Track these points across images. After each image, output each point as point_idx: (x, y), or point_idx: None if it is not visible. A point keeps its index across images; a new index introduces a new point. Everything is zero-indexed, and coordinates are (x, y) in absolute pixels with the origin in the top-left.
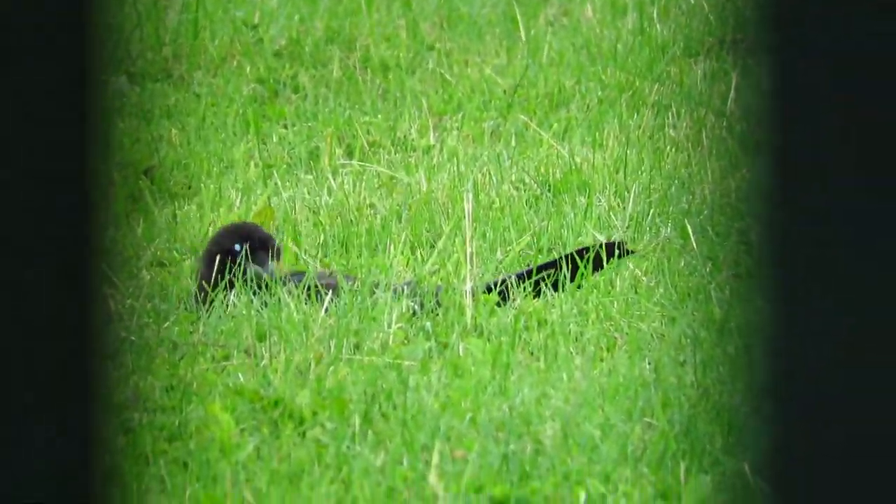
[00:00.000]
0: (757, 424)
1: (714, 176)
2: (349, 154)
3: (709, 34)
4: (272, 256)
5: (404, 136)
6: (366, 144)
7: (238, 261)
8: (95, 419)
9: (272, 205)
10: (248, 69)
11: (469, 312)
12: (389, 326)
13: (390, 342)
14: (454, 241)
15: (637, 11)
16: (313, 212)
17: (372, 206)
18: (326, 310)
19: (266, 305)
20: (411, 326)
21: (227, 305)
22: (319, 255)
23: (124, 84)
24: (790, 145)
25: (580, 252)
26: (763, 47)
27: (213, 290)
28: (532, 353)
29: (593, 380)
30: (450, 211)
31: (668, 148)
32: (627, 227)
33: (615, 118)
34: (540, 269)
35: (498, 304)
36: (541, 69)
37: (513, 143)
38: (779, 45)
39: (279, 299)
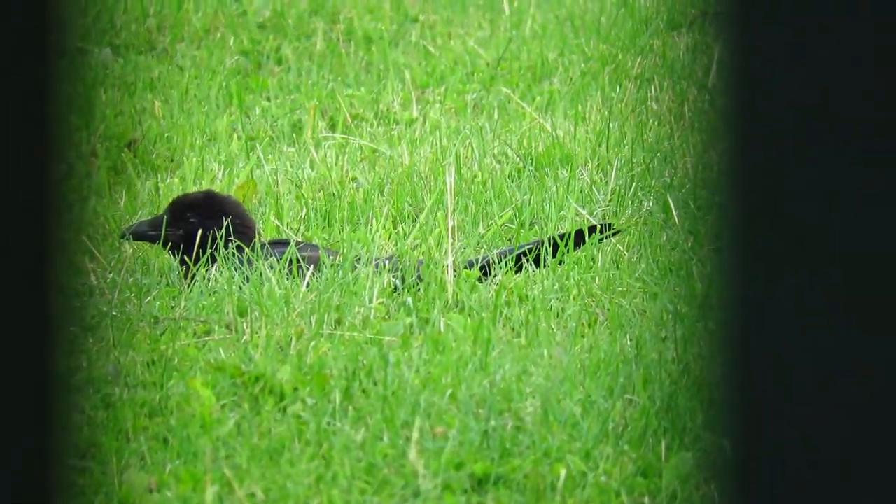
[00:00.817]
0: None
1: (696, 150)
2: (332, 127)
3: (691, 6)
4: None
5: (387, 109)
6: (349, 117)
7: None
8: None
9: (255, 178)
10: (231, 41)
11: (450, 288)
12: (371, 302)
13: (371, 317)
14: (436, 215)
15: None
16: (296, 185)
17: (354, 179)
18: (308, 285)
19: (247, 280)
20: (392, 302)
21: (209, 280)
22: (301, 228)
23: (108, 56)
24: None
25: (567, 235)
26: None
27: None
28: (513, 330)
29: (574, 356)
30: (432, 184)
31: (651, 121)
32: (609, 201)
33: (598, 91)
34: (522, 248)
35: (479, 280)
36: (524, 42)
37: (495, 116)
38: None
39: (261, 274)
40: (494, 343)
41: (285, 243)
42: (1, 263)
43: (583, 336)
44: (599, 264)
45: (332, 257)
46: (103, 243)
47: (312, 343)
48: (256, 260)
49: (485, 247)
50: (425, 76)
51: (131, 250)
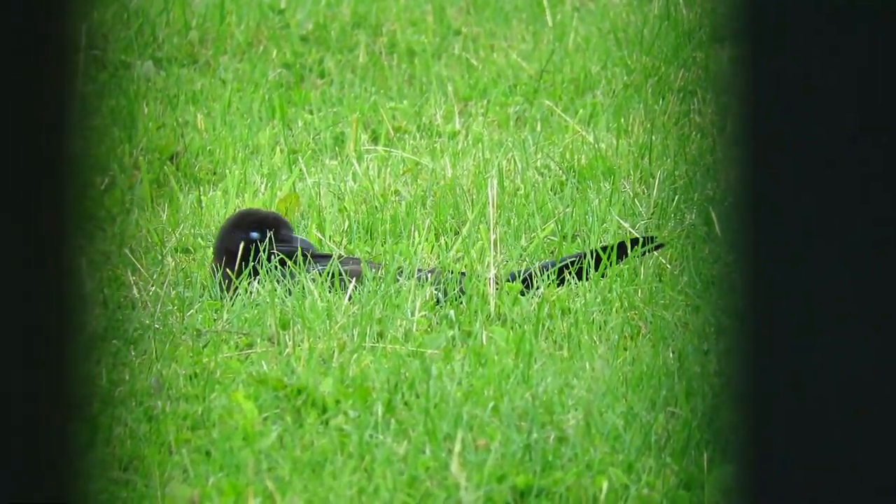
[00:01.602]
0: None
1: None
2: (374, 140)
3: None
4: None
5: (429, 122)
6: (391, 130)
7: (262, 247)
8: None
9: (297, 191)
10: (274, 54)
11: (492, 301)
12: (413, 314)
13: (414, 330)
14: (478, 228)
15: None
16: (338, 198)
17: (397, 192)
18: (350, 297)
19: (290, 293)
20: (435, 314)
21: (251, 293)
22: (344, 241)
23: (150, 69)
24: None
25: (609, 248)
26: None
27: (237, 279)
28: (555, 342)
29: (616, 369)
30: (474, 197)
31: (694, 134)
32: (652, 214)
33: (641, 104)
34: (565, 260)
35: (521, 293)
36: (567, 54)
37: (538, 128)
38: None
39: (303, 287)
40: (537, 356)
41: (327, 257)
42: (43, 276)
43: (625, 349)
44: (642, 277)
45: (374, 270)
46: (146, 256)
47: (355, 356)
48: (299, 273)
49: (527, 260)
50: (468, 89)
51: (173, 263)
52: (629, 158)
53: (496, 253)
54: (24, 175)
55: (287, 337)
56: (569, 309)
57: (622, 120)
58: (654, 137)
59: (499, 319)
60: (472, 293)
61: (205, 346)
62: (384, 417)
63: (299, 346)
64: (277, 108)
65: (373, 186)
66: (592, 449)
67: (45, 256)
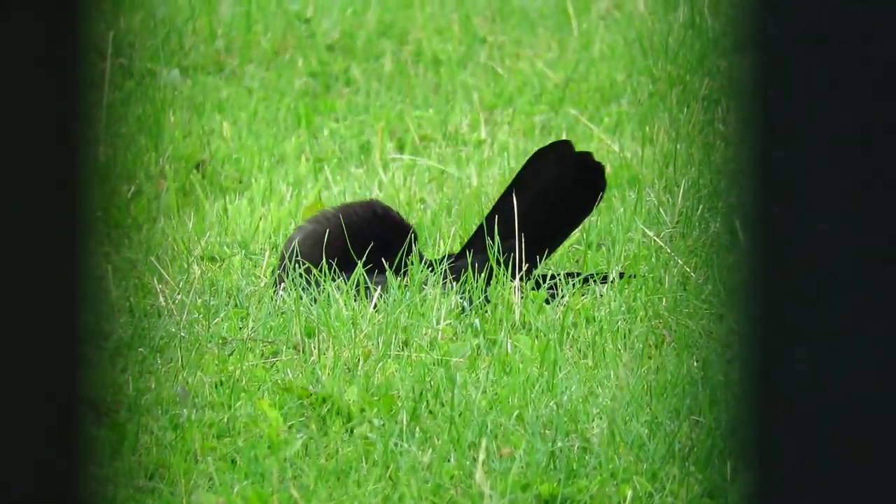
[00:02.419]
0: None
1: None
2: (400, 148)
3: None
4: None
5: (455, 130)
6: (417, 138)
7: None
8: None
9: (323, 199)
10: (300, 63)
11: (517, 309)
12: (438, 323)
13: (439, 339)
14: None
15: (688, 5)
16: None
17: (422, 200)
18: (375, 306)
19: (315, 301)
20: (460, 323)
21: (277, 301)
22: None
23: (176, 77)
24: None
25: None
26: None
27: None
28: (580, 351)
29: (641, 377)
30: None
31: (718, 143)
32: (676, 223)
33: (665, 113)
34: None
35: (546, 301)
36: (592, 63)
37: (563, 137)
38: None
39: (328, 295)
40: (561, 364)
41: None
42: (70, 283)
43: (649, 357)
44: (666, 286)
45: (399, 279)
46: (172, 264)
47: (380, 364)
48: (324, 281)
49: (551, 268)
50: (494, 97)
51: (199, 271)
52: (654, 167)
53: (521, 261)
54: (52, 183)
55: (312, 345)
56: (593, 317)
57: (647, 129)
58: (678, 146)
59: (524, 328)
60: (497, 301)
61: (230, 355)
62: (409, 426)
63: (324, 354)
64: (303, 116)
65: (398, 195)
66: (617, 457)
67: (72, 264)
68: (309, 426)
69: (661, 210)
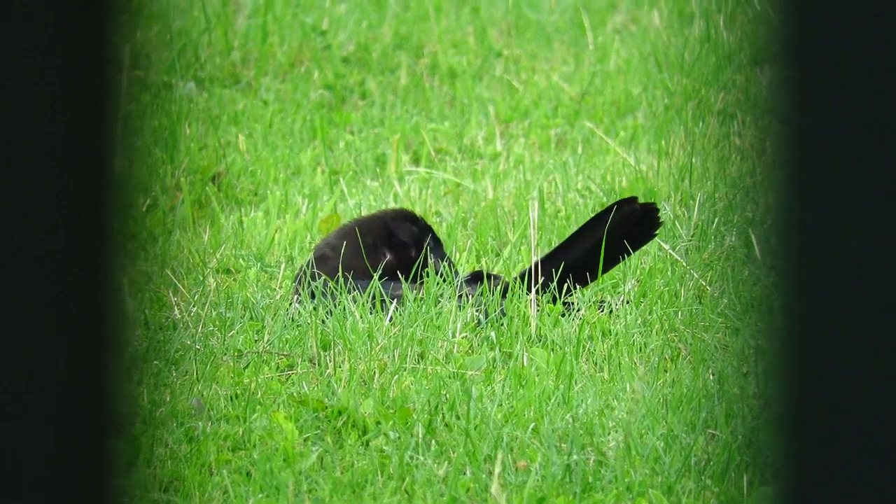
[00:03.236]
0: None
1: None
2: (416, 161)
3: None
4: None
5: (471, 143)
6: (432, 151)
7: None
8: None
9: (338, 211)
10: (315, 75)
11: (533, 322)
12: (454, 336)
13: (454, 352)
14: (520, 250)
15: (704, 19)
16: None
17: (438, 213)
18: (391, 319)
19: (330, 314)
20: (476, 336)
21: (292, 314)
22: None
23: (192, 89)
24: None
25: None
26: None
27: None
28: (596, 364)
29: (657, 391)
30: (515, 219)
31: (734, 156)
32: (692, 236)
33: (681, 126)
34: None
35: (562, 315)
36: (608, 77)
37: (579, 150)
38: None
39: (344, 308)
40: (577, 377)
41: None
42: (85, 296)
43: (665, 371)
44: (682, 299)
45: (415, 292)
46: (187, 277)
47: (395, 377)
48: (340, 294)
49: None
50: (509, 110)
51: (215, 284)
52: (669, 180)
53: (538, 274)
54: (67, 195)
55: (328, 358)
56: (609, 331)
57: (662, 142)
58: (694, 160)
59: (539, 341)
60: (513, 314)
61: (246, 367)
62: (425, 438)
63: (340, 367)
64: (319, 129)
65: (414, 208)
66: (632, 471)
67: (88, 276)
68: (324, 439)
69: (676, 223)
